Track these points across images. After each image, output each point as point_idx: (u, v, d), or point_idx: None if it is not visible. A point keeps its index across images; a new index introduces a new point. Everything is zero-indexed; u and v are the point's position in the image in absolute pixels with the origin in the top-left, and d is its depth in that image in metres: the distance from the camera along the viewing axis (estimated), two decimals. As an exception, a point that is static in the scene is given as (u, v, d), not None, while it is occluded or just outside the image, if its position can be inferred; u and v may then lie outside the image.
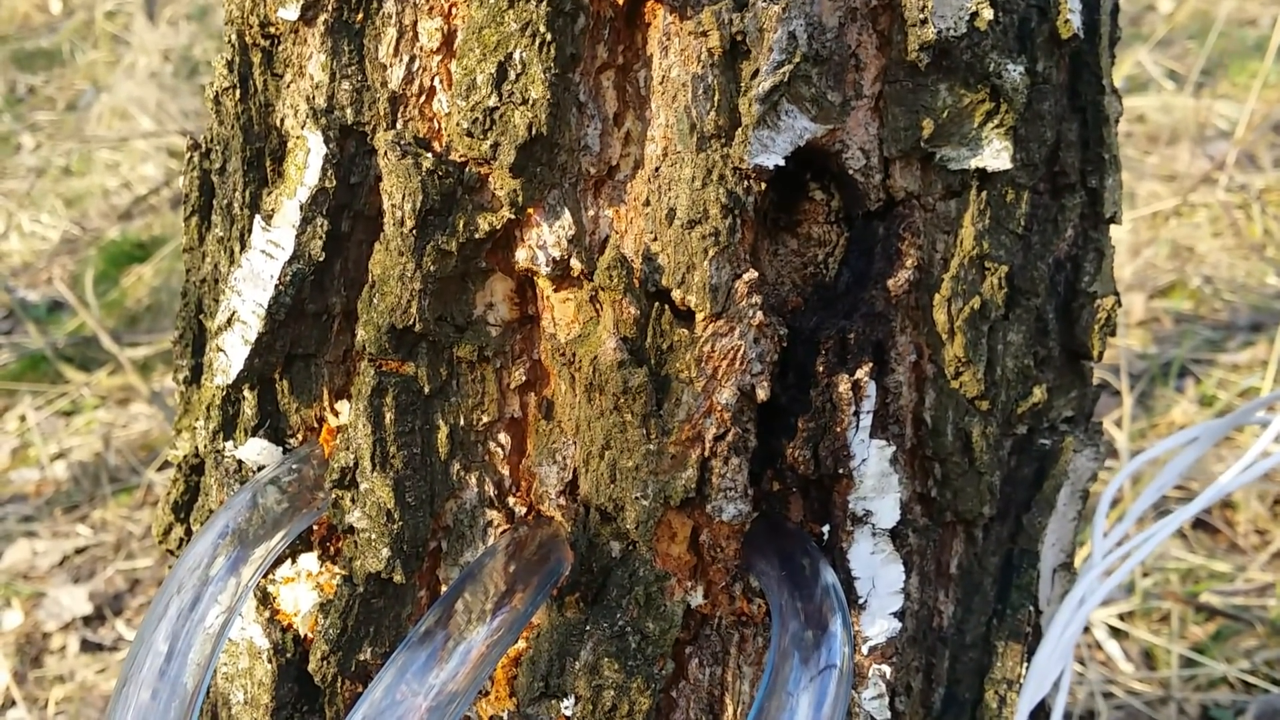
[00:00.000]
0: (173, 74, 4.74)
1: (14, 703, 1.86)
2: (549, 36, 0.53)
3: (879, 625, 0.62)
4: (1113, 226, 0.69)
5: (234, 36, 0.62)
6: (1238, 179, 3.15)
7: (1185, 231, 2.99)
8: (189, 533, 0.70)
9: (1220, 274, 2.79)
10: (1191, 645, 1.67)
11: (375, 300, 0.57)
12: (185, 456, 0.69)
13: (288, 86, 0.61)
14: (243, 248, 0.61)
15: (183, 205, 0.66)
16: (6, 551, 2.22)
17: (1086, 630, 1.72)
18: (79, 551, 2.23)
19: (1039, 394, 0.65)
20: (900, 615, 0.62)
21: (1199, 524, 1.92)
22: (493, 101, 0.54)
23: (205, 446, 0.64)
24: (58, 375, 2.75)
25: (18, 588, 2.11)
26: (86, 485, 2.39)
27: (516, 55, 0.54)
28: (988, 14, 0.58)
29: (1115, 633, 1.69)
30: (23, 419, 2.61)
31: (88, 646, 1.99)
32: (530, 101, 0.54)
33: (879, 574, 0.62)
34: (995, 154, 0.61)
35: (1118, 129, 0.69)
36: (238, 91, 0.62)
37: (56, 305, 3.22)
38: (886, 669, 0.62)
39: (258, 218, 0.59)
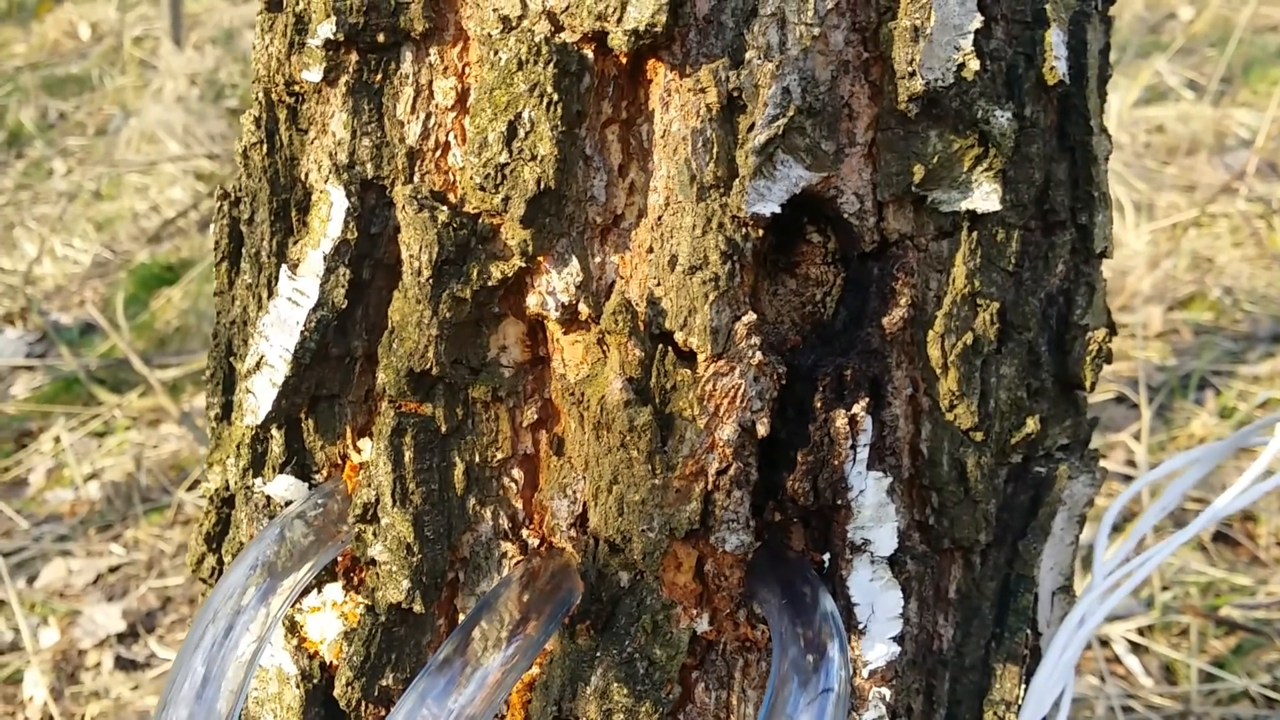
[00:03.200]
0: (199, 98, 4.81)
1: (52, 718, 1.90)
2: (556, 96, 0.56)
3: (878, 649, 0.64)
4: (1103, 261, 0.72)
5: (261, 94, 0.65)
6: (1258, 189, 3.15)
7: (1205, 242, 2.99)
8: (220, 563, 0.74)
9: (1240, 285, 2.79)
10: (1212, 660, 1.67)
11: (394, 345, 0.60)
12: (217, 490, 0.73)
13: (312, 142, 0.64)
14: (270, 294, 0.65)
15: (214, 251, 0.70)
16: (43, 570, 2.26)
17: (1105, 645, 1.73)
18: (112, 570, 2.27)
19: (1032, 424, 0.68)
20: (899, 639, 0.65)
21: (1219, 537, 1.93)
22: (503, 158, 0.57)
23: (236, 483, 0.67)
24: (90, 397, 2.81)
25: (54, 606, 2.15)
26: (119, 505, 2.44)
27: (525, 114, 0.57)
28: (974, 64, 0.61)
29: (1135, 647, 1.70)
30: (57, 440, 2.66)
31: (122, 663, 2.03)
32: (539, 158, 0.57)
33: (878, 600, 0.64)
34: (985, 196, 0.64)
35: (1107, 166, 0.72)
36: (265, 146, 0.65)
37: (88, 328, 3.28)
38: (886, 691, 0.64)
39: (284, 267, 0.62)
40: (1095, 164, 0.69)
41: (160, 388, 2.60)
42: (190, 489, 2.39)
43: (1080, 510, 0.73)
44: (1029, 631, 0.70)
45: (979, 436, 0.66)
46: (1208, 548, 1.91)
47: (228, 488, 0.73)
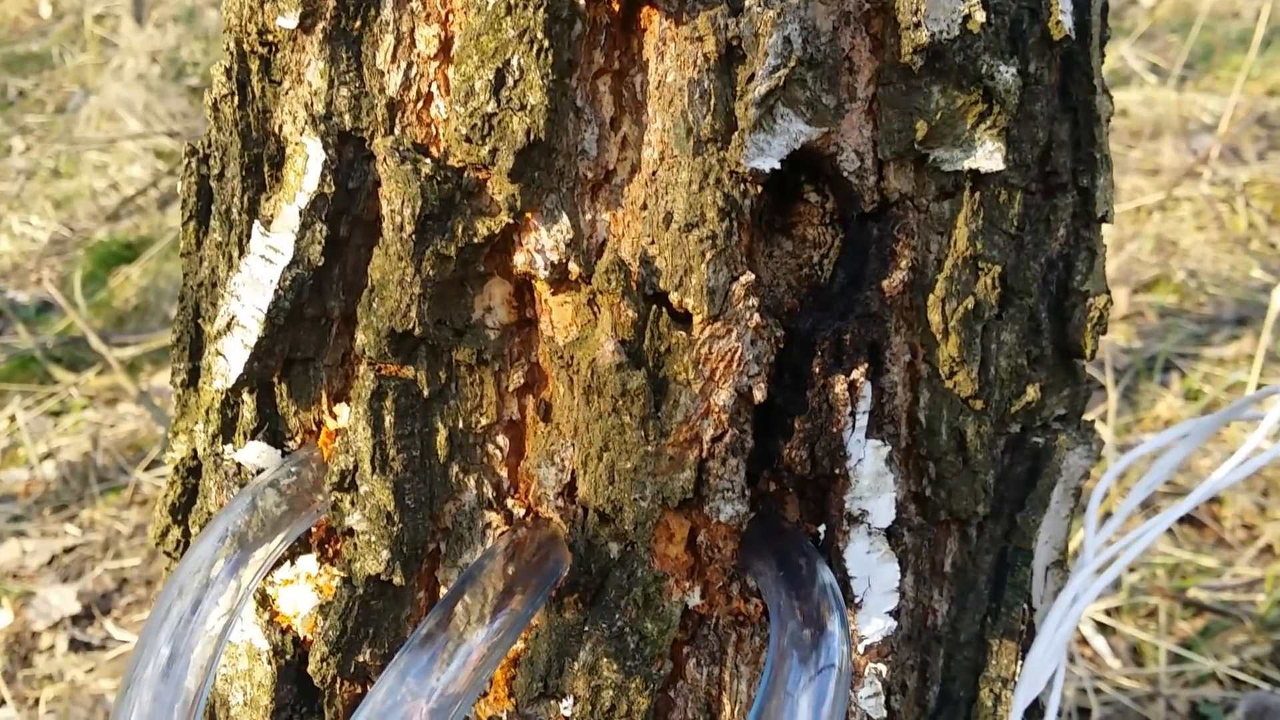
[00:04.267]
0: (160, 76, 4.73)
1: (3, 702, 1.86)
2: (546, 43, 0.54)
3: (875, 624, 0.62)
4: (1103, 225, 0.70)
5: (232, 44, 0.62)
6: (1222, 172, 3.17)
7: (1169, 226, 3.01)
8: (186, 535, 0.71)
9: (1205, 268, 2.81)
10: (1180, 641, 1.68)
11: (375, 305, 0.57)
12: (182, 459, 0.70)
13: (286, 93, 0.61)
14: (241, 253, 0.61)
15: (181, 210, 0.67)
16: (-4, 551, 2.21)
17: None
18: (67, 551, 2.23)
19: (1032, 393, 0.66)
20: (895, 614, 0.63)
21: (1186, 519, 1.93)
22: (491, 108, 0.54)
23: (205, 450, 0.64)
24: (46, 375, 2.75)
25: (7, 587, 2.11)
26: (75, 485, 2.39)
27: (514, 61, 0.54)
28: (980, 16, 0.58)
29: (1103, 628, 1.70)
30: (12, 419, 2.60)
31: (76, 645, 1.99)
32: (528, 107, 0.54)
33: (875, 573, 0.62)
34: (988, 155, 0.61)
35: (1108, 128, 0.70)
36: (236, 98, 0.62)
37: (45, 306, 3.21)
38: (882, 667, 0.62)
39: (257, 223, 0.59)
40: (1098, 124, 0.67)
41: (118, 366, 2.55)
42: (148, 469, 2.34)
43: (1076, 483, 0.71)
44: (1025, 607, 0.69)
45: (979, 405, 0.64)
46: (1174, 530, 1.92)
47: (194, 456, 0.69)
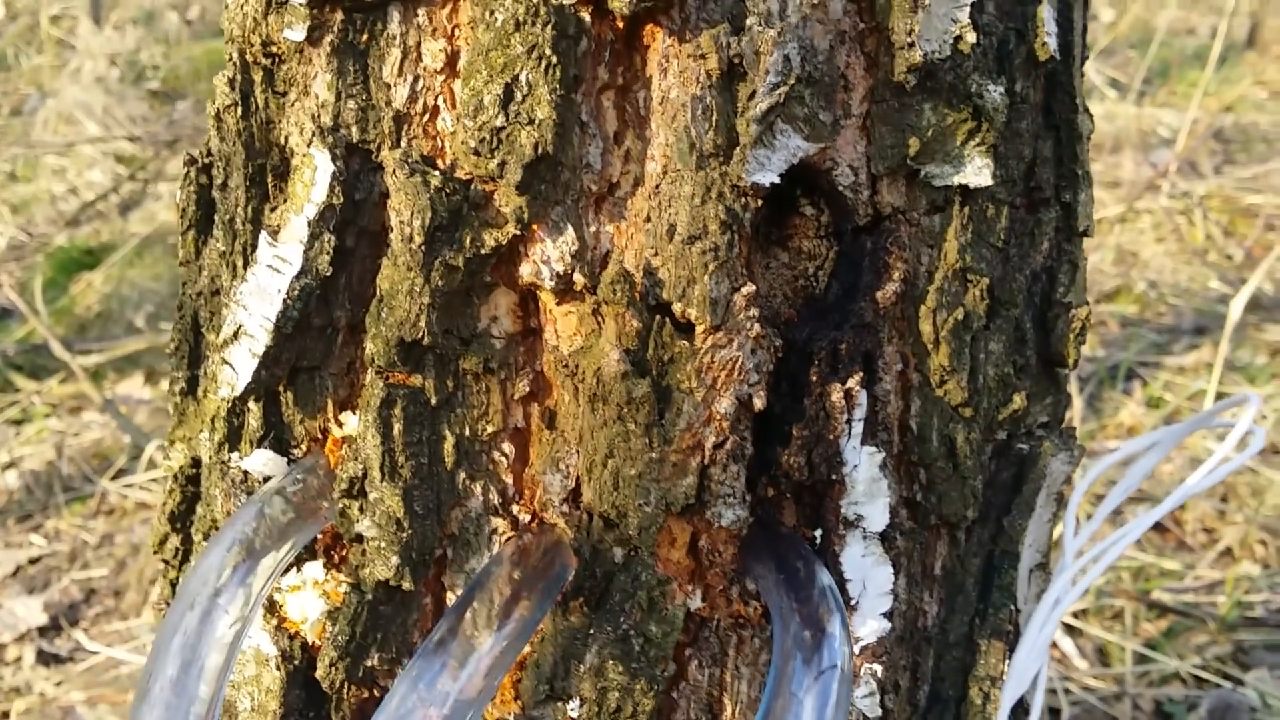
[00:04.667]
0: (119, 79, 4.69)
1: (-31, 714, 1.83)
2: (554, 59, 0.55)
3: (870, 625, 0.64)
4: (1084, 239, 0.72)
5: (235, 55, 0.63)
6: (1180, 186, 3.24)
7: (1130, 237, 3.06)
8: (186, 543, 0.71)
9: (1164, 279, 2.86)
10: (1144, 642, 1.71)
11: (384, 314, 0.58)
12: (181, 467, 0.70)
13: (292, 105, 0.62)
14: (247, 263, 0.62)
15: (180, 220, 0.67)
16: (-42, 562, 2.18)
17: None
18: (33, 562, 2.20)
19: (1019, 401, 0.68)
20: (890, 615, 0.65)
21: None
22: (500, 121, 0.56)
23: (211, 457, 0.65)
24: (7, 383, 2.72)
25: (-30, 600, 2.08)
26: (39, 494, 2.36)
27: (523, 77, 0.55)
28: (971, 37, 0.60)
29: (1070, 630, 1.73)
30: (-27, 429, 2.57)
31: (44, 657, 1.96)
32: (537, 122, 0.55)
33: (869, 576, 0.64)
34: (977, 171, 0.63)
35: (1089, 145, 0.72)
36: (239, 109, 0.62)
37: (4, 313, 3.17)
38: (877, 667, 0.64)
39: (264, 233, 0.60)
40: (1079, 142, 0.69)
41: (83, 374, 2.52)
42: (115, 478, 2.32)
43: (1058, 488, 0.73)
44: (1012, 608, 0.70)
45: (968, 412, 0.66)
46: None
47: (194, 465, 0.70)
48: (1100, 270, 2.88)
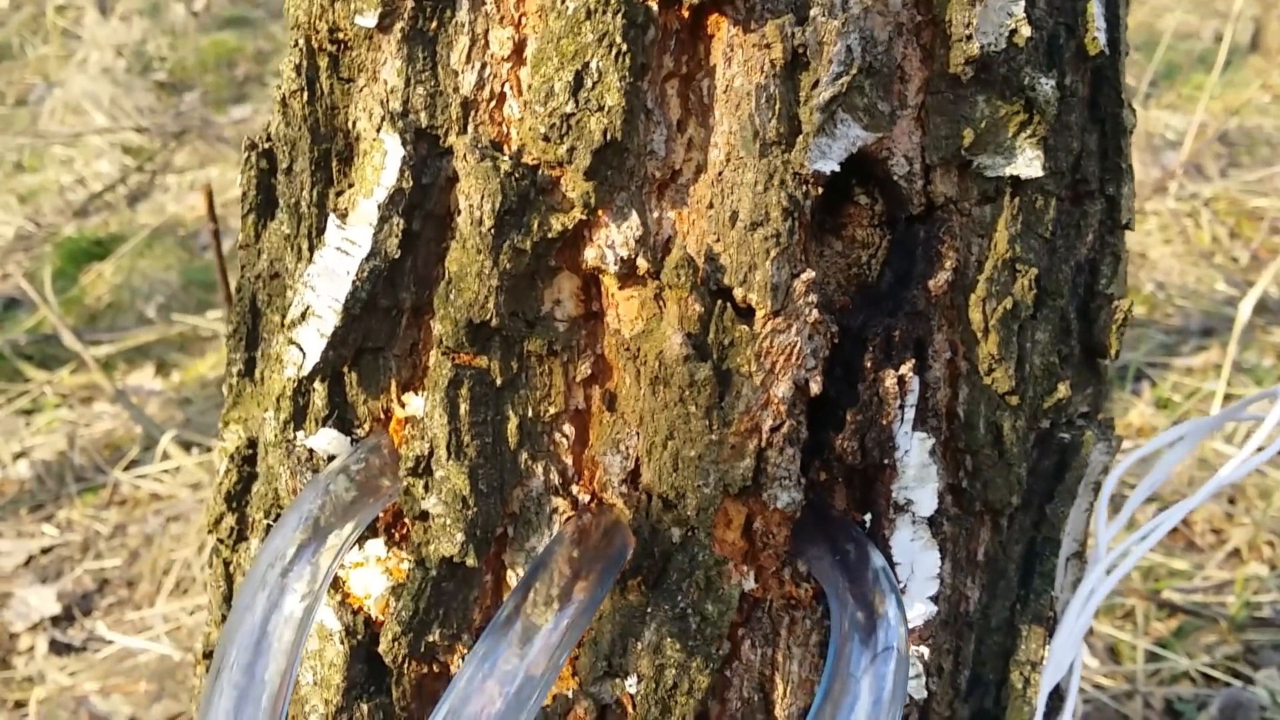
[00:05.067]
0: (126, 70, 4.69)
1: (-18, 703, 1.84)
2: (624, 47, 0.56)
3: (917, 609, 0.65)
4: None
5: (301, 41, 0.64)
6: (1187, 188, 3.25)
7: (1137, 239, 3.07)
8: (241, 522, 0.72)
9: (1172, 280, 2.88)
10: (1155, 641, 1.72)
11: (452, 296, 0.59)
12: (237, 448, 0.71)
13: (360, 90, 0.63)
14: (313, 245, 0.63)
15: (241, 203, 0.68)
16: (-30, 552, 2.19)
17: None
18: (45, 551, 2.21)
19: (1063, 390, 0.69)
20: (935, 599, 0.66)
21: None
22: (570, 108, 0.57)
23: (275, 437, 0.66)
24: (17, 373, 2.72)
25: (-18, 588, 2.08)
26: (51, 485, 2.37)
27: (593, 64, 0.56)
28: (1026, 31, 0.61)
29: (1082, 627, 1.74)
30: (-18, 417, 2.57)
31: (57, 647, 1.97)
32: (606, 108, 0.56)
33: (918, 560, 0.65)
34: (1028, 162, 0.64)
35: (1131, 139, 0.73)
36: (305, 94, 0.64)
37: (13, 302, 3.18)
38: (924, 650, 0.65)
39: (332, 216, 0.61)
40: (1124, 135, 0.70)
41: (94, 364, 2.53)
42: (127, 469, 2.33)
43: (1096, 477, 0.75)
44: (1053, 594, 0.72)
45: (1015, 400, 0.67)
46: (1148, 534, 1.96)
47: (250, 445, 0.71)
48: (1111, 271, 2.89)
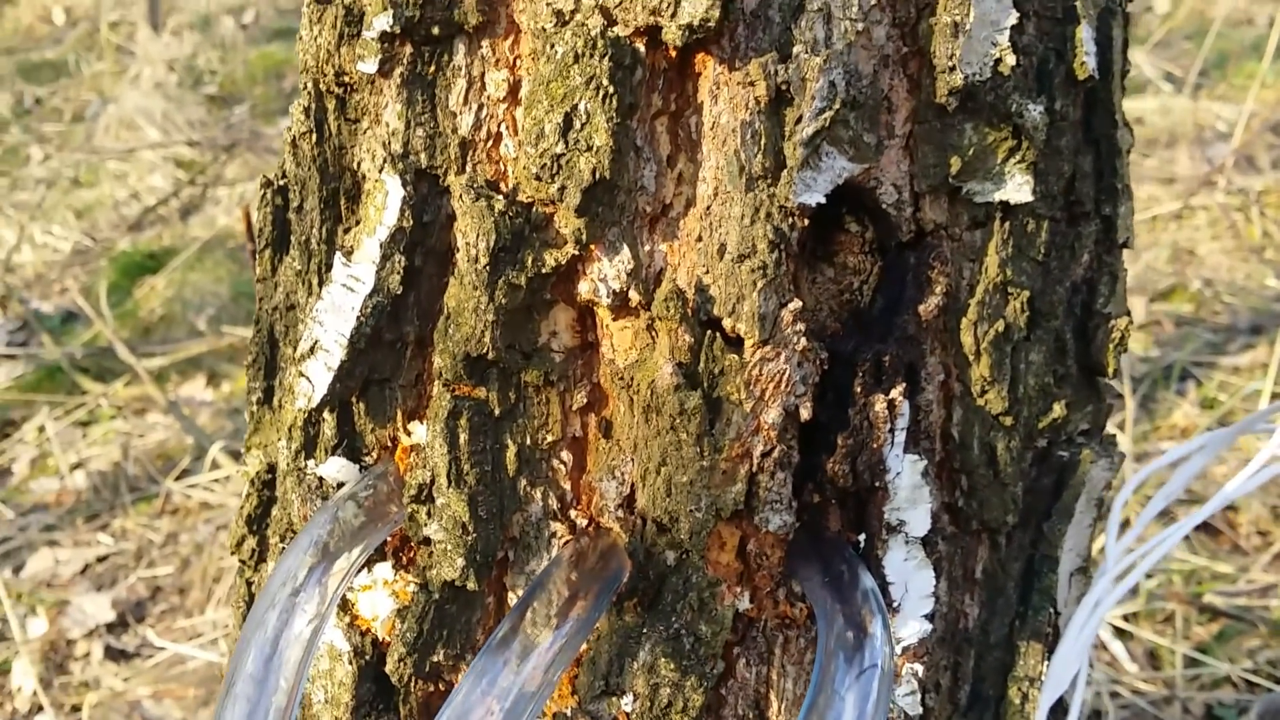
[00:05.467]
0: (178, 84, 4.78)
1: (41, 708, 1.89)
2: (611, 89, 0.58)
3: (911, 627, 0.67)
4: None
5: (310, 84, 0.66)
6: (1236, 181, 3.20)
7: (1185, 234, 3.03)
8: (262, 544, 0.75)
9: (1220, 277, 2.83)
10: (1195, 645, 1.70)
11: (451, 330, 0.61)
12: (258, 473, 0.74)
13: (364, 132, 0.66)
14: (322, 281, 0.66)
15: (258, 239, 0.71)
16: (29, 560, 2.25)
17: (1093, 629, 1.75)
18: (100, 560, 2.27)
19: (1058, 410, 0.70)
20: (931, 618, 0.67)
21: (1202, 526, 1.96)
22: (559, 149, 0.59)
23: (288, 465, 0.69)
24: (74, 386, 2.79)
25: (41, 595, 2.14)
26: (106, 494, 2.43)
27: (581, 106, 0.58)
28: (1010, 59, 0.63)
29: (1120, 633, 1.73)
30: (41, 430, 2.64)
31: (112, 653, 2.02)
32: (594, 148, 0.59)
33: (911, 579, 0.66)
34: (1017, 187, 0.66)
35: (1128, 159, 0.74)
36: (314, 135, 0.66)
37: (70, 316, 3.26)
38: (919, 667, 0.67)
39: (338, 254, 0.64)
40: (1119, 156, 0.71)
41: (147, 376, 2.59)
42: (179, 478, 2.39)
43: (1098, 493, 0.75)
44: (1051, 611, 0.73)
45: (1009, 421, 0.68)
46: (1190, 537, 1.94)
47: (269, 470, 0.74)
48: (1155, 268, 2.86)
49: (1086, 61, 0.67)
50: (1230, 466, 2.11)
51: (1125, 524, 1.65)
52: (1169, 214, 3.08)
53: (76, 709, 1.88)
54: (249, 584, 0.77)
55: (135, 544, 2.31)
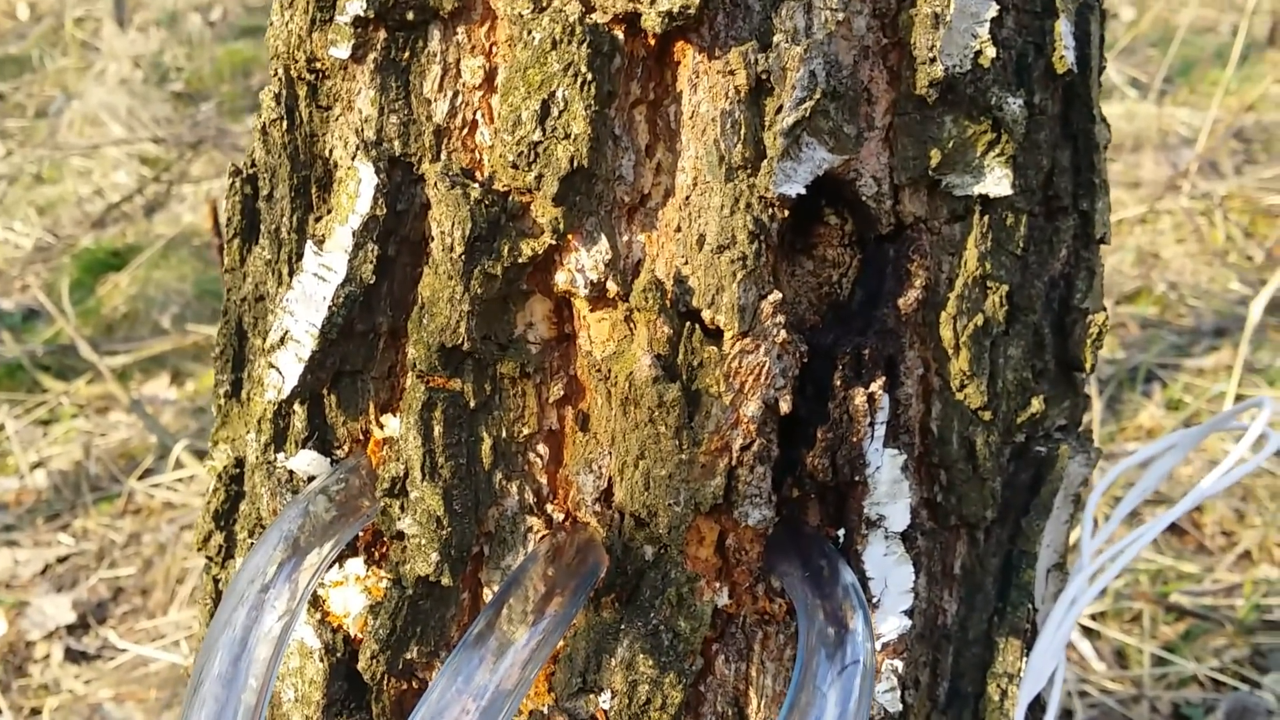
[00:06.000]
0: (143, 81, 4.73)
1: (0, 711, 1.86)
2: (589, 76, 0.57)
3: (891, 623, 0.66)
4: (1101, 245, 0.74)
5: (280, 71, 0.65)
6: (1201, 186, 3.23)
7: (1150, 238, 3.06)
8: (229, 540, 0.74)
9: (1185, 280, 2.86)
10: (1162, 644, 1.72)
11: (425, 321, 0.60)
12: (225, 467, 0.73)
13: (336, 119, 0.64)
14: (292, 271, 0.65)
15: (226, 228, 0.70)
16: (-12, 560, 2.21)
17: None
18: (61, 560, 2.23)
19: (1037, 404, 0.70)
20: (910, 613, 0.67)
21: (1169, 527, 1.97)
22: (537, 136, 0.58)
23: (257, 458, 0.67)
24: (35, 384, 2.75)
25: (1, 597, 2.11)
26: (67, 494, 2.39)
27: (559, 93, 0.57)
28: (991, 52, 0.62)
29: (1088, 632, 1.74)
30: (1, 428, 2.60)
31: (72, 655, 1.99)
32: (572, 136, 0.58)
33: (891, 574, 0.66)
34: (997, 181, 0.65)
35: (1106, 154, 0.74)
36: (284, 123, 0.65)
37: (31, 313, 3.21)
38: (899, 663, 0.66)
39: (310, 243, 0.62)
40: (1096, 151, 0.71)
41: (110, 375, 2.56)
42: (142, 478, 2.36)
43: (1075, 489, 0.75)
44: (1030, 607, 0.72)
45: (987, 416, 0.68)
46: (1157, 538, 1.96)
47: (237, 465, 0.73)
48: (1120, 271, 2.88)
49: (1065, 55, 0.67)
50: (1195, 468, 2.13)
51: (1095, 524, 1.66)
52: (1134, 218, 3.11)
53: (36, 712, 1.85)
54: (216, 581, 0.75)
55: (97, 544, 2.28)
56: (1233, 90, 3.75)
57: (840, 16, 0.60)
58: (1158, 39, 4.44)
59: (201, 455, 2.40)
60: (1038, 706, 0.78)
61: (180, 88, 4.74)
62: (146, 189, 3.96)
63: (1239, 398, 2.20)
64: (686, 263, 0.60)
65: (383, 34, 0.61)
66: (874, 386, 0.63)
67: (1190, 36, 4.21)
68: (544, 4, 0.59)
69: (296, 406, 0.65)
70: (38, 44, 5.23)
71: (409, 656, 0.64)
